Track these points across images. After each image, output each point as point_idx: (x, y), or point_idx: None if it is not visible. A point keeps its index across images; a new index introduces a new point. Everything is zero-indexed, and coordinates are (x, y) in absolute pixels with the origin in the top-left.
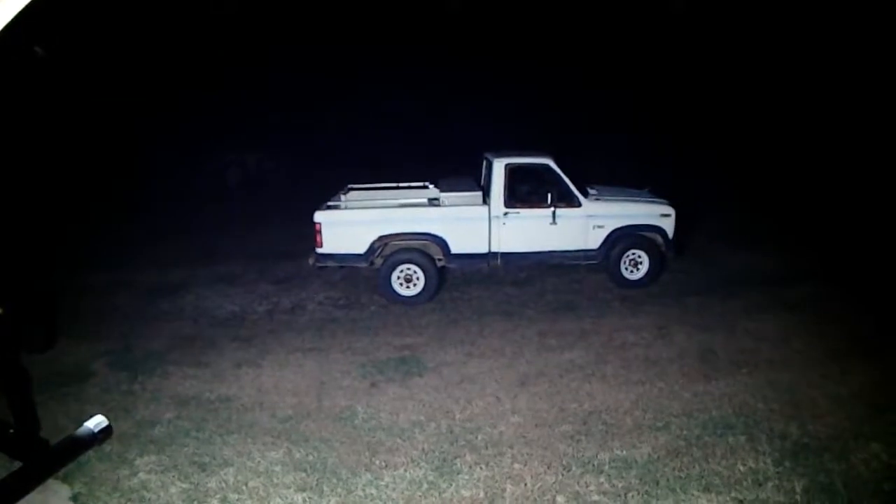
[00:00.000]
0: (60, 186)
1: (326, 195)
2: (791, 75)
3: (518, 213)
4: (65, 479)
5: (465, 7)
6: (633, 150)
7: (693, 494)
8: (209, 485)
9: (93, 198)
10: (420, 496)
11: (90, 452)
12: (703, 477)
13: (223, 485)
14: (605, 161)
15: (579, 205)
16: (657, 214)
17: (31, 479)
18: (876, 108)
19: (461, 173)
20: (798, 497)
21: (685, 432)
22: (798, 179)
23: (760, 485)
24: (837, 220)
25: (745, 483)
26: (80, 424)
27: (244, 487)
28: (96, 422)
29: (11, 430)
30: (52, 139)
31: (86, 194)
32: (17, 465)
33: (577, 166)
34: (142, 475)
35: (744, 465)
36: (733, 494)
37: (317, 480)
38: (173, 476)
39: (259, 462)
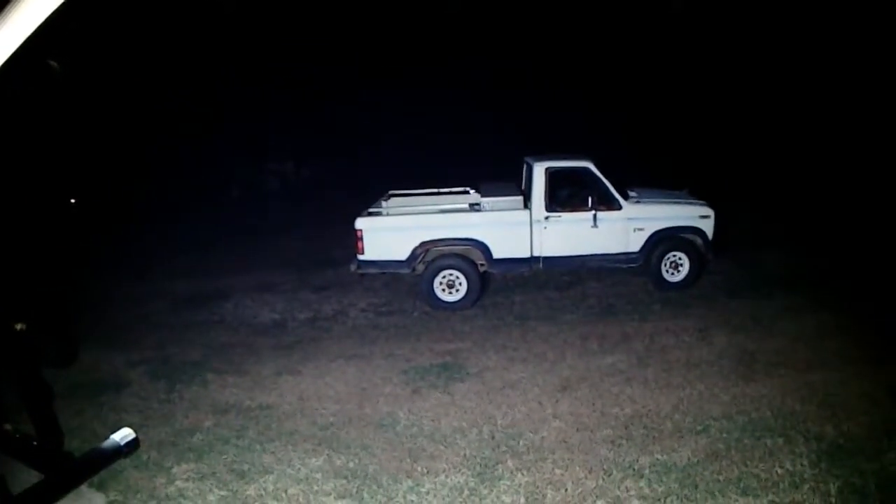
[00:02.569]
0: (94, 196)
1: (367, 202)
2: (794, 72)
3: (559, 216)
4: (99, 487)
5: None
6: (643, 154)
7: (731, 498)
8: (248, 492)
9: (129, 207)
10: (461, 503)
11: (126, 460)
12: (741, 480)
13: (262, 492)
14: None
15: (620, 207)
16: (696, 216)
17: (54, 491)
18: (883, 105)
19: (501, 178)
20: (833, 499)
21: (724, 435)
22: (823, 178)
23: (797, 487)
24: (868, 219)
25: (781, 485)
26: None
27: (284, 495)
28: (123, 434)
29: (35, 443)
30: (82, 149)
31: (121, 204)
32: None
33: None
34: (179, 483)
35: (781, 467)
36: (770, 497)
37: (357, 487)
38: (211, 484)
39: (299, 469)
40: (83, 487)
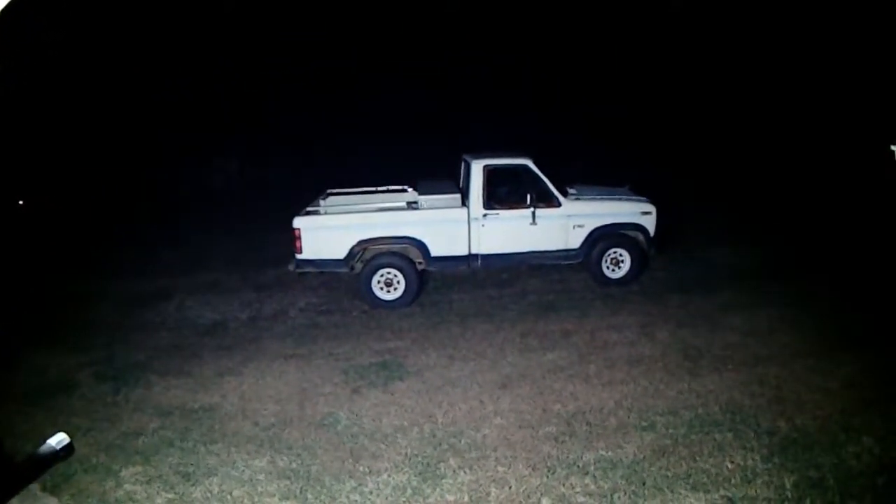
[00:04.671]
0: (46, 196)
1: (307, 200)
2: (764, 73)
3: (497, 214)
4: (52, 492)
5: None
6: (608, 149)
7: (681, 493)
8: (194, 494)
9: (72, 205)
10: (404, 502)
11: (77, 464)
12: (690, 475)
13: (208, 494)
14: (581, 159)
15: (559, 205)
16: (638, 212)
17: None
18: (853, 109)
19: (440, 176)
20: (788, 493)
21: (671, 431)
22: (778, 176)
23: (749, 482)
24: (819, 216)
25: (733, 480)
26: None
27: (229, 497)
28: (58, 439)
29: None
30: (32, 150)
31: (65, 201)
32: None
33: (557, 166)
34: (127, 486)
35: (732, 462)
36: (722, 492)
37: (301, 488)
38: (158, 487)
39: (243, 471)
40: (37, 492)
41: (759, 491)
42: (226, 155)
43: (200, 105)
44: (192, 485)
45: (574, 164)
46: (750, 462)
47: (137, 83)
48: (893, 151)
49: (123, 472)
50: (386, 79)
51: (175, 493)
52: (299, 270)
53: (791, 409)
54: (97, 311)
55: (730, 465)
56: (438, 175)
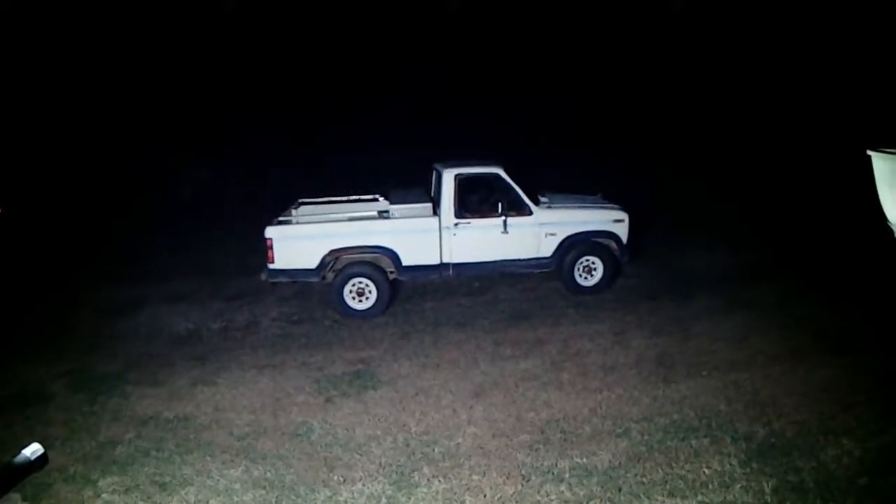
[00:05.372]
0: (20, 203)
1: (278, 209)
2: (744, 73)
3: (469, 223)
4: (33, 501)
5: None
6: (583, 151)
7: (657, 499)
8: None
9: (41, 213)
10: None
11: (56, 473)
12: (666, 482)
13: None
14: (559, 162)
15: (530, 213)
16: (610, 220)
17: None
18: (834, 112)
19: (412, 185)
20: (768, 497)
21: (646, 437)
22: (751, 178)
23: (727, 487)
24: (796, 220)
25: (710, 486)
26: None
27: None
28: (32, 449)
29: None
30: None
31: (34, 209)
32: None
33: (532, 171)
34: (105, 496)
35: (709, 467)
36: (699, 498)
37: (276, 498)
38: (136, 496)
39: (218, 480)
40: (18, 501)
41: (737, 496)
42: (192, 163)
43: (193, 107)
44: (169, 494)
45: (561, 164)
46: (727, 467)
47: (126, 82)
48: (870, 156)
49: (101, 482)
50: (382, 82)
51: (152, 503)
52: (271, 280)
53: (768, 414)
54: (73, 319)
55: (707, 471)
56: (409, 183)
